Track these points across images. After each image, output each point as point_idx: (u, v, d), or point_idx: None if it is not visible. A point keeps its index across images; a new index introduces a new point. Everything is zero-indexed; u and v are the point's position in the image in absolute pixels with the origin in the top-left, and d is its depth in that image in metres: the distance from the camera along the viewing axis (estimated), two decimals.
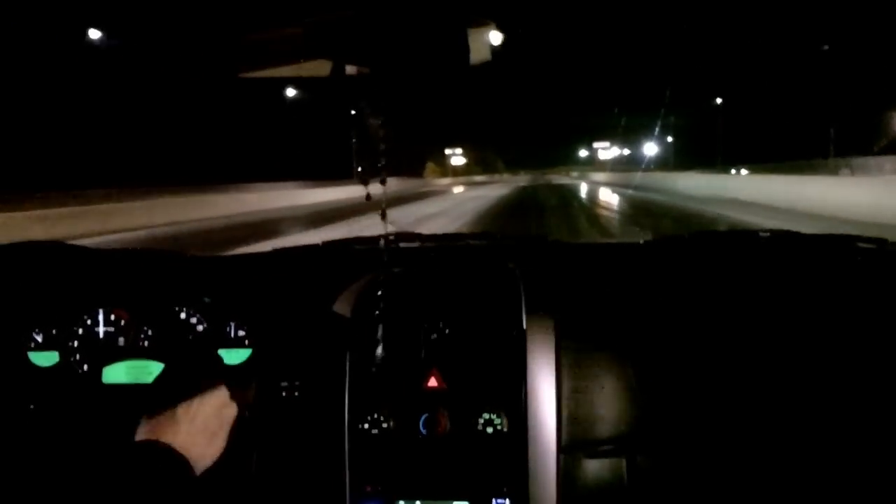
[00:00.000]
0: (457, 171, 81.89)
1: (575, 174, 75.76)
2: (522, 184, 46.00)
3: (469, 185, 48.34)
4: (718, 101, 44.49)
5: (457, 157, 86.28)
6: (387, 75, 1.08)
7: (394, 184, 30.83)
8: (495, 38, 1.02)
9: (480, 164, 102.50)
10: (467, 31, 0.99)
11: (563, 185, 36.49)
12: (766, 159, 28.51)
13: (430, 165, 75.65)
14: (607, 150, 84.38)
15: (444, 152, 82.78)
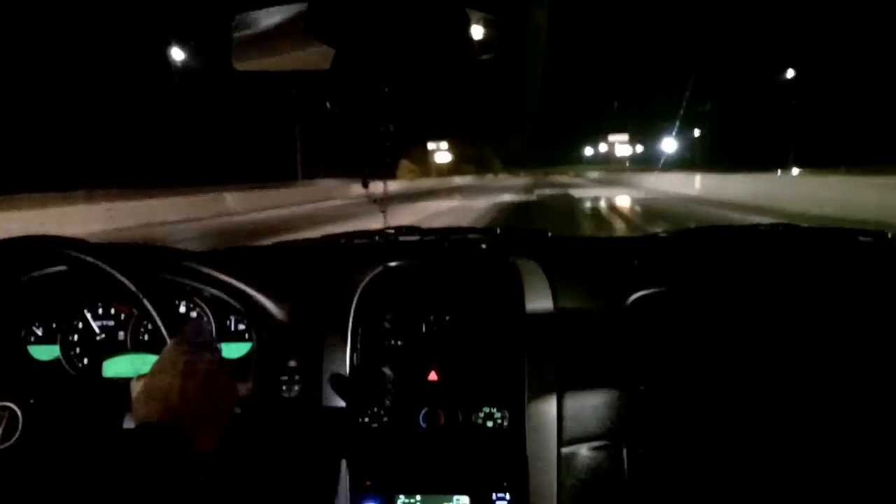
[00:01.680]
0: (442, 171, 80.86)
1: (594, 175, 59.46)
2: (510, 198, 25.16)
3: (426, 195, 29.52)
4: (790, 74, 35.79)
5: (441, 154, 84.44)
6: (383, 67, 1.33)
7: (305, 193, 26.31)
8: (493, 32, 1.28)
9: (473, 161, 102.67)
10: (470, 25, 1.25)
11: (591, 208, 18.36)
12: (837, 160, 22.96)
13: (404, 164, 72.69)
14: (625, 145, 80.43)
15: (426, 147, 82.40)
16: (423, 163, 78.95)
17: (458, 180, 69.53)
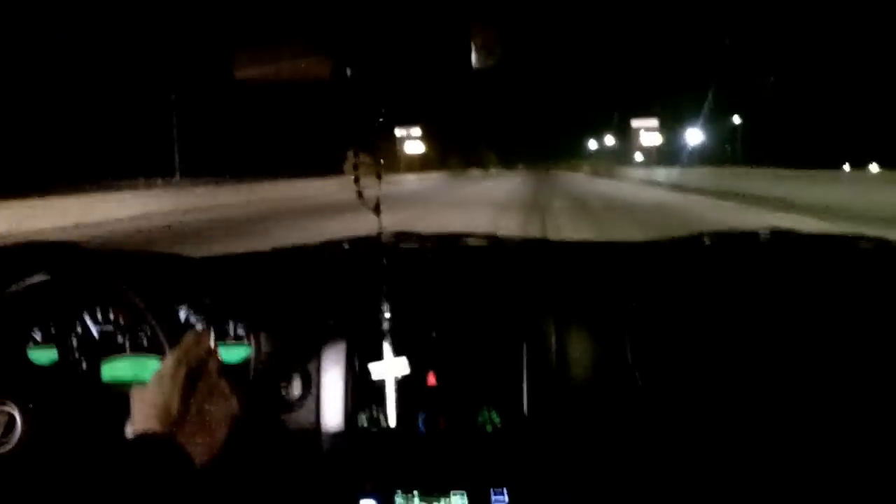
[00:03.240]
0: (413, 165, 77.51)
1: (657, 175, 43.99)
2: None
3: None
4: None
5: (412, 143, 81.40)
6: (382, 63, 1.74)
7: None
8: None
9: (460, 153, 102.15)
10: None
11: None
12: None
13: (352, 156, 69.48)
14: (653, 133, 73.91)
15: (394, 135, 78.60)
16: (389, 155, 75.64)
17: (410, 180, 56.83)
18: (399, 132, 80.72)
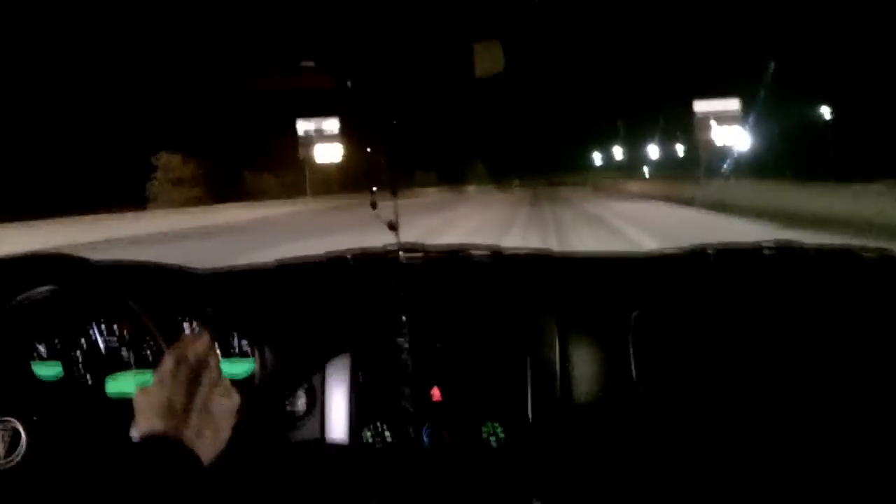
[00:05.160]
0: (328, 182, 65.34)
1: None
2: None
3: None
4: None
5: (325, 146, 58.58)
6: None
7: None
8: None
9: (434, 164, 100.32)
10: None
11: None
12: None
13: (169, 162, 58.08)
14: (730, 125, 49.13)
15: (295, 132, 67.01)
16: (284, 165, 64.00)
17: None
18: (303, 126, 59.06)
